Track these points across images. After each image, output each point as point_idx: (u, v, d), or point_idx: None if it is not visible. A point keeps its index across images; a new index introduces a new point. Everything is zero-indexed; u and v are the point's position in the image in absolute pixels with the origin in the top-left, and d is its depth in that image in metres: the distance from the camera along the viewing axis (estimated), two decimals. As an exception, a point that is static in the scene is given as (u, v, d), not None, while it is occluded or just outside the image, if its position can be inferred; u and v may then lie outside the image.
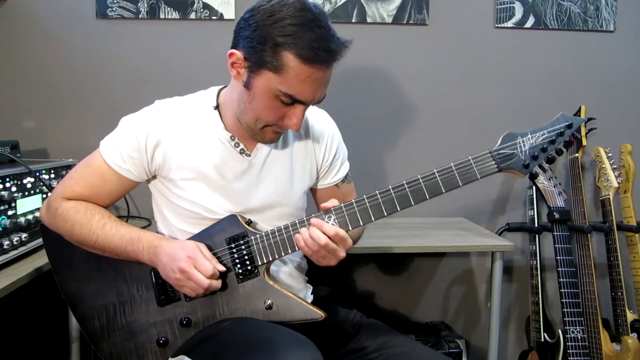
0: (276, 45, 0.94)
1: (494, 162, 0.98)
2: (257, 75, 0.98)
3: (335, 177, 1.23)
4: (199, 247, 1.03)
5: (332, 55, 0.95)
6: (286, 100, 0.98)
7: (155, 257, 1.04)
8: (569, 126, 0.98)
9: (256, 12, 0.98)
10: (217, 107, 1.11)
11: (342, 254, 1.00)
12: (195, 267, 1.00)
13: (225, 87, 1.13)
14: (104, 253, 1.08)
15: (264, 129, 1.05)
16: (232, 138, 1.10)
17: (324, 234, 0.97)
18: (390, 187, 1.00)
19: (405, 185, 0.99)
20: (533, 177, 1.03)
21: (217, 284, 1.02)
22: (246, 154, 1.11)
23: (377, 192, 1.00)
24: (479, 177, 0.98)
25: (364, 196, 1.00)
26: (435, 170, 0.99)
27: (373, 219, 1.00)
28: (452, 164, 0.98)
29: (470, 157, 0.98)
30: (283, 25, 0.93)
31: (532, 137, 0.98)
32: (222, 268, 1.03)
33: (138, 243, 1.05)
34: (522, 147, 0.98)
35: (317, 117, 1.21)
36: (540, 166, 1.02)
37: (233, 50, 1.01)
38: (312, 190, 1.26)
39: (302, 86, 0.96)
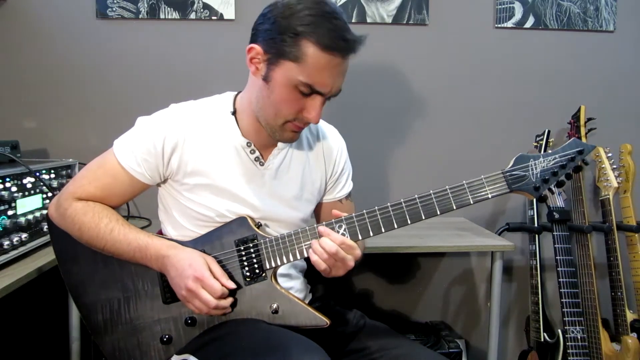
0: (296, 34, 0.96)
1: (505, 182, 0.99)
2: (276, 66, 1.00)
3: (340, 192, 1.26)
4: (208, 265, 1.01)
5: (349, 44, 0.98)
6: (305, 90, 0.99)
7: (164, 267, 1.04)
8: (580, 152, 0.99)
9: (274, 7, 1.01)
10: (234, 113, 1.11)
11: (351, 263, 1.01)
12: (203, 287, 0.99)
13: (241, 92, 1.13)
14: (114, 256, 1.07)
15: (284, 126, 1.05)
16: (249, 144, 1.11)
17: (332, 242, 0.98)
18: (402, 200, 1.01)
19: (417, 200, 1.00)
20: (543, 199, 1.06)
21: (226, 303, 1.01)
22: (260, 163, 1.12)
23: (389, 204, 1.01)
24: (490, 196, 0.99)
25: (376, 207, 1.01)
26: (447, 187, 1.00)
27: (383, 231, 1.01)
28: (464, 181, 0.99)
29: (482, 177, 1.00)
30: (302, 15, 0.97)
31: (544, 161, 0.99)
32: (232, 285, 1.02)
33: (146, 251, 1.04)
34: (534, 169, 0.99)
35: (328, 131, 1.25)
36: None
37: (252, 45, 1.03)
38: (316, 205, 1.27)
39: (321, 75, 0.98)
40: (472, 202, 0.99)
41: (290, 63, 0.98)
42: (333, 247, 0.98)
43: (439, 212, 1.00)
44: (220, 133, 1.10)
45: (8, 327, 1.75)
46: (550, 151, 1.01)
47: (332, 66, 0.98)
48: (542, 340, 1.84)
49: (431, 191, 1.00)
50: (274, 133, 1.07)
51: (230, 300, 1.02)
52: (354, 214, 1.02)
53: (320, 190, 1.22)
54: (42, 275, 1.24)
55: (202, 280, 0.98)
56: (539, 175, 0.99)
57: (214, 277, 1.00)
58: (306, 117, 1.03)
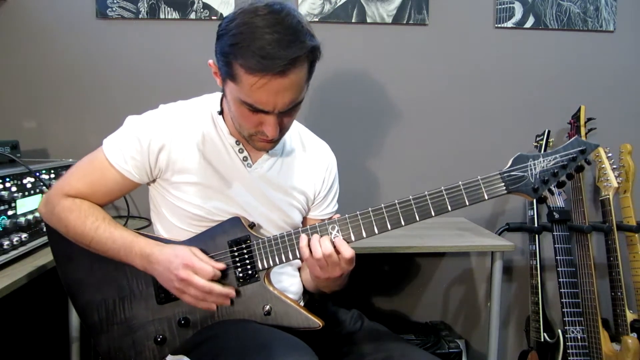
0: (226, 55, 0.93)
1: (503, 184, 0.96)
2: (225, 84, 0.99)
3: (325, 210, 1.24)
4: (192, 252, 1.02)
5: (281, 61, 0.88)
6: (249, 108, 0.96)
7: (150, 265, 1.04)
8: (583, 151, 0.96)
9: (222, 21, 0.97)
10: (221, 112, 1.11)
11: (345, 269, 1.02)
12: (195, 273, 0.99)
13: None
14: (100, 254, 1.08)
15: (251, 137, 1.04)
16: (237, 143, 1.11)
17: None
18: (396, 201, 0.99)
19: (412, 201, 0.98)
20: (542, 200, 1.02)
21: (220, 287, 1.01)
22: (248, 164, 1.12)
23: (382, 205, 0.99)
24: (486, 197, 0.96)
25: (369, 209, 1.00)
26: (442, 188, 0.97)
27: (376, 232, 1.00)
28: (460, 182, 0.97)
29: (479, 178, 0.97)
30: (233, 33, 0.91)
31: (543, 161, 0.96)
32: (222, 266, 1.03)
33: (131, 249, 1.04)
34: (533, 170, 0.96)
35: (321, 147, 1.23)
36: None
37: (210, 61, 1.03)
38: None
39: (258, 95, 0.93)
40: (467, 204, 0.97)
41: (231, 83, 0.95)
42: (328, 248, 0.98)
43: (433, 214, 0.97)
44: (208, 132, 1.10)
45: (8, 327, 1.75)
46: (550, 150, 0.98)
47: (266, 86, 0.91)
48: (542, 340, 1.84)
49: (426, 192, 0.98)
50: (247, 142, 1.07)
51: (227, 290, 1.02)
52: (347, 215, 1.01)
53: (308, 201, 1.21)
54: (42, 275, 1.24)
55: (192, 265, 0.99)
56: (538, 176, 0.96)
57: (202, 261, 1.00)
58: (265, 131, 1.00)
